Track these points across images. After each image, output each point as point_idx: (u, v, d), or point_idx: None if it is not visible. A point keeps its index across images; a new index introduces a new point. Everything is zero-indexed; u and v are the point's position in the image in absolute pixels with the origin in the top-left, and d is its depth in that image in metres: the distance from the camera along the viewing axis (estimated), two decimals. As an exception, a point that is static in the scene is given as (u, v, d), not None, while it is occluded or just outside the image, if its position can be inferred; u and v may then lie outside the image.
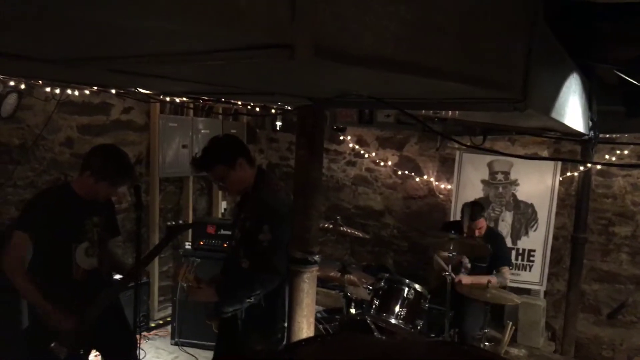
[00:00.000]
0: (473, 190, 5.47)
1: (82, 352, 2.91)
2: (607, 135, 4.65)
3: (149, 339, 5.01)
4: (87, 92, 4.42)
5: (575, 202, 4.99)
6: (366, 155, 6.53)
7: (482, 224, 4.51)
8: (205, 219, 5.68)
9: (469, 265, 4.47)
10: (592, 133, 3.56)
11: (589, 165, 4.61)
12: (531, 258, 5.41)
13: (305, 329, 2.49)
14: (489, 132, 4.16)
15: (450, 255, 4.00)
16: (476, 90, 1.55)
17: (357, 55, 1.07)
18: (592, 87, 3.13)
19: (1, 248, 2.84)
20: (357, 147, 6.53)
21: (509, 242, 5.24)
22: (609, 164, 5.49)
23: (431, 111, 2.81)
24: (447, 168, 6.11)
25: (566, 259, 5.40)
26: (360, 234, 4.66)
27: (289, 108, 4.25)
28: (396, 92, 1.83)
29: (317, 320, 3.74)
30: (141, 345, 3.54)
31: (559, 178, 5.32)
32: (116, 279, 3.34)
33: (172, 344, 4.85)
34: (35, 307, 2.82)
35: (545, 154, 5.70)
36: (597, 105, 3.39)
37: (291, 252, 2.48)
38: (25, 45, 1.33)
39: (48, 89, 4.11)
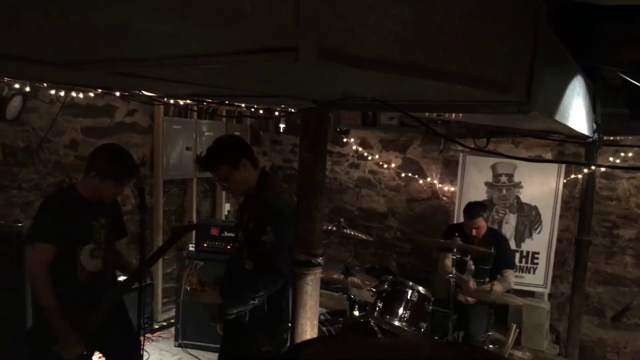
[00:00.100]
0: (477, 193, 5.45)
1: (85, 354, 2.90)
2: (611, 138, 4.65)
3: (152, 340, 5.02)
4: (91, 94, 4.45)
5: (579, 204, 4.98)
6: (369, 158, 6.53)
7: (480, 223, 4.38)
8: (209, 220, 5.69)
9: (472, 267, 4.44)
10: (596, 135, 3.55)
11: (593, 167, 4.60)
12: (535, 260, 5.39)
13: (308, 331, 2.48)
14: (493, 134, 4.16)
15: (455, 257, 3.98)
16: (480, 92, 1.55)
17: (361, 58, 1.07)
18: (596, 89, 3.12)
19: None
20: (360, 149, 6.53)
21: (512, 245, 5.20)
22: (613, 167, 5.48)
23: (435, 113, 2.81)
24: (450, 170, 6.10)
25: (570, 262, 5.39)
26: (364, 236, 4.66)
27: (293, 110, 4.27)
28: (400, 94, 1.82)
29: (321, 323, 3.72)
30: (145, 347, 3.54)
31: (562, 180, 5.30)
32: (120, 281, 3.34)
33: (175, 346, 4.85)
34: (51, 324, 2.75)
35: (549, 156, 5.69)
36: (601, 108, 3.39)
37: (295, 254, 2.47)
38: (30, 47, 1.34)
39: (53, 92, 4.13)
